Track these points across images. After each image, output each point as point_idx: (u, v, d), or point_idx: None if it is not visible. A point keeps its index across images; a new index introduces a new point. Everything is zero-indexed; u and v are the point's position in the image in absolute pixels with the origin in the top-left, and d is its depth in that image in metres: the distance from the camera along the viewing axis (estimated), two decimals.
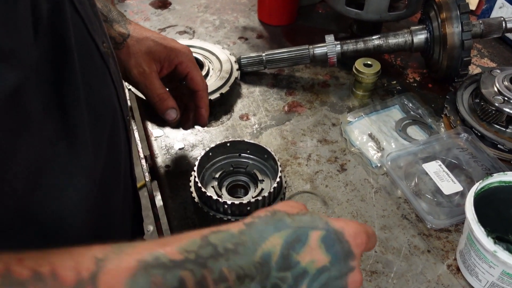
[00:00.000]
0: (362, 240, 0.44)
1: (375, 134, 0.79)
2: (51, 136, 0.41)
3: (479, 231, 0.53)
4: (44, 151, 0.40)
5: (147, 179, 0.75)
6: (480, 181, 0.58)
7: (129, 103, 0.89)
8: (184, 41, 0.93)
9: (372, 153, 0.76)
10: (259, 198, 0.57)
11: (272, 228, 0.41)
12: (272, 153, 0.62)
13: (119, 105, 0.54)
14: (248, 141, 0.64)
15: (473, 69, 0.93)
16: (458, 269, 0.61)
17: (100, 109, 0.48)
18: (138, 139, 0.82)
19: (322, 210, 0.68)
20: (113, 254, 0.35)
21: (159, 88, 0.65)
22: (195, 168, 0.61)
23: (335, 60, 0.87)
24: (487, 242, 0.52)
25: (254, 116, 0.83)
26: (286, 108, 0.85)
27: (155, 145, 0.78)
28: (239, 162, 0.65)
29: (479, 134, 0.74)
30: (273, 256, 0.40)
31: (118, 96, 0.54)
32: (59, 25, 0.40)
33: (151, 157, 0.78)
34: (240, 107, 0.85)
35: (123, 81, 0.82)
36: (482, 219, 0.54)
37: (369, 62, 0.84)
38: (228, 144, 0.64)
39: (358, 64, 0.84)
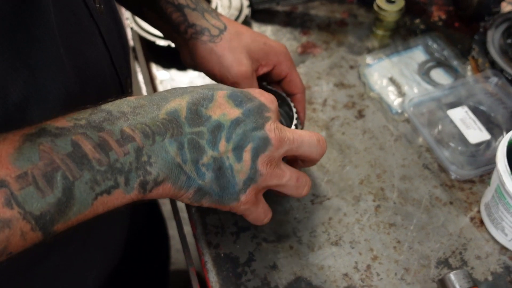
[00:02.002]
0: (271, 96, 0.44)
1: (396, 78, 0.73)
2: (18, 101, 0.36)
3: (511, 185, 0.49)
4: (9, 118, 0.35)
5: None
6: None
7: (132, 44, 0.84)
8: None
9: (393, 98, 0.71)
10: None
11: (174, 93, 0.40)
12: (287, 98, 0.58)
13: (114, 68, 0.49)
14: (266, 86, 0.59)
15: (504, 6, 0.85)
16: (482, 222, 0.57)
17: (85, 73, 0.42)
18: (143, 82, 0.77)
19: (338, 158, 0.64)
20: None
21: None
22: None
23: None
24: None
25: None
26: (300, 49, 0.79)
27: (160, 88, 0.74)
28: None
29: (510, 78, 0.69)
30: (181, 112, 0.38)
31: (112, 59, 0.48)
32: None
33: None
34: None
35: (131, 28, 0.76)
36: None
37: None
38: None
39: (380, 0, 0.77)
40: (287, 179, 0.44)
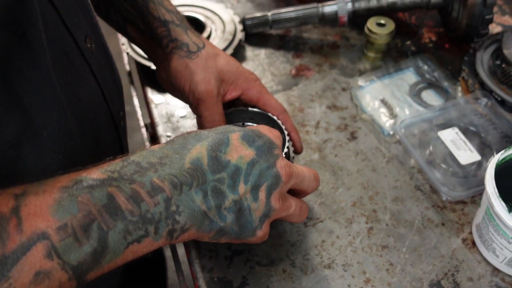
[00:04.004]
0: (276, 132, 0.46)
1: (387, 100, 0.74)
2: (12, 140, 0.37)
3: (500, 207, 0.49)
4: (3, 156, 0.36)
5: None
6: (502, 152, 0.54)
7: (128, 68, 0.85)
8: (184, 0, 0.88)
9: (384, 120, 0.72)
10: None
11: (192, 140, 0.42)
12: (279, 121, 0.58)
13: (106, 103, 0.50)
14: (252, 109, 0.60)
15: (493, 28, 0.87)
16: (474, 243, 0.58)
17: (79, 110, 0.44)
18: (138, 106, 0.79)
19: (331, 180, 0.65)
20: (32, 187, 0.33)
21: (219, 115, 0.56)
22: None
23: (346, 19, 0.81)
24: (509, 219, 0.49)
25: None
26: (293, 71, 0.80)
27: (156, 112, 0.75)
28: None
29: (499, 99, 0.70)
30: (203, 160, 0.40)
31: (104, 95, 0.50)
32: (21, 18, 0.35)
33: (151, 126, 0.74)
34: None
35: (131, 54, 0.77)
36: (503, 193, 0.51)
37: (382, 22, 0.79)
38: (231, 113, 0.60)
39: (371, 23, 0.78)
40: (293, 209, 0.47)
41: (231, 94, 0.58)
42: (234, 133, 0.43)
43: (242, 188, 0.41)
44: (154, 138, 0.73)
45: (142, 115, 0.78)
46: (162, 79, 0.61)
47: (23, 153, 0.38)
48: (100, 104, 0.50)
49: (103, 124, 0.51)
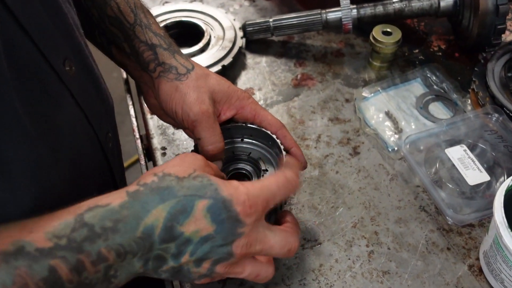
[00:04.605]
0: (253, 208, 0.41)
1: (392, 112, 0.71)
2: None
3: (509, 238, 0.46)
4: None
5: (142, 162, 0.70)
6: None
7: (124, 76, 0.82)
8: (183, 4, 0.85)
9: (389, 134, 0.68)
10: None
11: (157, 199, 0.39)
12: (278, 140, 0.56)
13: (91, 126, 0.48)
14: (251, 125, 0.57)
15: (507, 36, 0.83)
16: (481, 271, 0.55)
17: (55, 138, 0.42)
18: (134, 116, 0.76)
19: (331, 199, 0.62)
20: None
21: (219, 135, 0.53)
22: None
23: (351, 26, 0.78)
24: None
25: (260, 90, 0.76)
26: (294, 81, 0.77)
27: (151, 123, 0.72)
28: (241, 148, 0.59)
29: (511, 114, 0.66)
30: (156, 229, 0.39)
31: (88, 118, 0.48)
32: None
33: (147, 137, 0.72)
34: (244, 80, 0.78)
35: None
36: None
37: (388, 30, 0.75)
38: (230, 128, 0.58)
39: (376, 32, 0.75)
40: (245, 275, 0.45)
41: (225, 115, 0.55)
42: (203, 200, 0.40)
43: (185, 258, 0.41)
44: (148, 150, 0.71)
45: (138, 127, 0.75)
46: (151, 105, 0.59)
47: None
48: (82, 128, 0.47)
49: (86, 149, 0.48)
